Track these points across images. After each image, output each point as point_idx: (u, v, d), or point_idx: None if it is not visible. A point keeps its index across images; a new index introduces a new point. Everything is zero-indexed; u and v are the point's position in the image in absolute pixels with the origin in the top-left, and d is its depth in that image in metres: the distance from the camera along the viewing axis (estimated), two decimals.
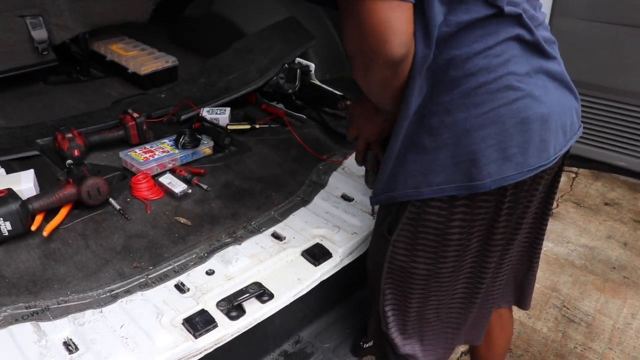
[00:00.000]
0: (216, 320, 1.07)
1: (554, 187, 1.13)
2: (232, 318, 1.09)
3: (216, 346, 1.06)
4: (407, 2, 0.80)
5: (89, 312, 1.08)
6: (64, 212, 1.35)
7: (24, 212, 1.25)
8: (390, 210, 1.08)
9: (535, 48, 0.93)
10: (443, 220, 0.99)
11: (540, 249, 1.24)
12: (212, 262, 1.25)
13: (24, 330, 1.02)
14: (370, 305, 1.26)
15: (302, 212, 1.45)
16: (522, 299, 1.34)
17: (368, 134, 1.14)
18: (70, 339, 1.02)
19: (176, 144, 1.63)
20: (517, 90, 0.90)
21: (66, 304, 1.11)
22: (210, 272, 1.21)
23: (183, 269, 1.23)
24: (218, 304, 1.12)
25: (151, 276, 1.20)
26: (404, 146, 0.97)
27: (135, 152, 1.60)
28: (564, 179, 2.63)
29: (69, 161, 1.54)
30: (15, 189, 1.30)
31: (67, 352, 0.99)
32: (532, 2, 0.96)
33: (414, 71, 0.88)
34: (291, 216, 1.43)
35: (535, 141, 0.93)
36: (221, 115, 1.88)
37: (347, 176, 1.62)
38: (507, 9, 0.87)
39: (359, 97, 1.12)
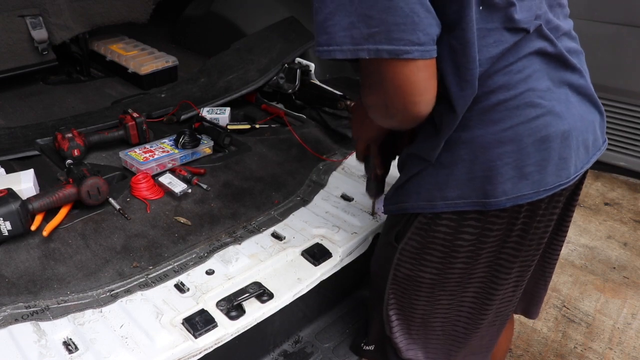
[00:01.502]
0: (216, 320, 1.07)
1: (573, 199, 1.10)
2: (232, 318, 1.09)
3: (216, 346, 1.06)
4: (431, 59, 0.77)
5: (88, 312, 1.08)
6: (63, 212, 1.35)
7: (23, 212, 1.25)
8: (399, 219, 1.07)
9: (557, 60, 0.90)
10: (452, 232, 0.98)
11: (555, 261, 1.21)
12: (212, 262, 1.25)
13: (24, 330, 1.02)
14: (373, 309, 1.25)
15: (302, 211, 1.45)
16: (530, 308, 1.31)
17: (366, 136, 1.13)
18: (70, 339, 1.02)
19: (176, 143, 1.63)
20: (537, 107, 0.87)
21: (66, 304, 1.11)
22: (210, 272, 1.21)
23: (183, 268, 1.23)
24: (218, 304, 1.12)
25: (151, 276, 1.20)
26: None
27: (135, 152, 1.60)
28: None
29: (69, 161, 1.54)
30: (15, 188, 1.30)
31: (66, 352, 0.99)
32: (556, 10, 0.93)
33: (455, 115, 0.86)
34: (291, 216, 1.43)
35: (554, 159, 0.90)
36: (221, 115, 1.88)
37: (347, 176, 1.62)
38: (532, 26, 0.85)
39: (357, 102, 1.10)
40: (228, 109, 1.92)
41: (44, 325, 1.04)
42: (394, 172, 1.39)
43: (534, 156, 0.88)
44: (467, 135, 0.89)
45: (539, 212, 0.97)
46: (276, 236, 1.35)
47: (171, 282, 1.18)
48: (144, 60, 2.47)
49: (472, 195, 0.92)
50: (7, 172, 1.51)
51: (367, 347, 1.32)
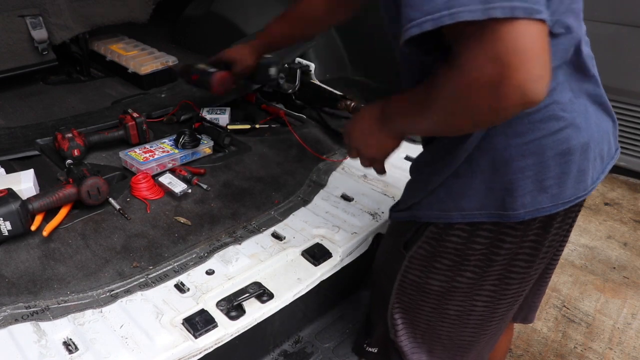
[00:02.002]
0: (216, 320, 1.07)
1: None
2: (232, 318, 1.09)
3: (216, 346, 1.06)
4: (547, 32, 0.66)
5: (88, 312, 1.08)
6: (63, 212, 1.35)
7: (23, 212, 1.25)
8: (409, 227, 1.06)
9: (579, 69, 0.89)
10: (464, 242, 0.97)
11: (553, 269, 1.20)
12: (212, 262, 1.25)
13: (24, 330, 1.02)
14: (377, 312, 1.24)
15: (302, 212, 1.45)
16: (528, 315, 1.31)
17: (373, 153, 1.01)
18: (70, 339, 1.02)
19: (176, 143, 1.63)
20: (560, 120, 0.86)
21: (66, 304, 1.11)
22: (210, 272, 1.21)
23: (183, 268, 1.23)
24: (218, 304, 1.12)
25: (151, 276, 1.20)
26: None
27: (135, 152, 1.60)
28: None
29: (69, 161, 1.54)
30: (15, 188, 1.30)
31: (67, 352, 0.99)
32: (569, 14, 0.88)
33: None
34: (291, 216, 1.43)
35: (573, 172, 0.89)
36: (221, 115, 1.88)
37: (347, 176, 1.62)
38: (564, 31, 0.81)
39: (362, 110, 1.00)
40: (228, 109, 1.92)
41: (44, 325, 1.04)
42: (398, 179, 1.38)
43: (554, 169, 0.87)
44: (487, 146, 0.88)
45: (554, 224, 0.96)
46: (276, 236, 1.35)
47: (171, 282, 1.18)
48: (144, 60, 2.46)
49: (490, 206, 0.90)
50: (7, 172, 1.51)
51: (370, 349, 1.31)
